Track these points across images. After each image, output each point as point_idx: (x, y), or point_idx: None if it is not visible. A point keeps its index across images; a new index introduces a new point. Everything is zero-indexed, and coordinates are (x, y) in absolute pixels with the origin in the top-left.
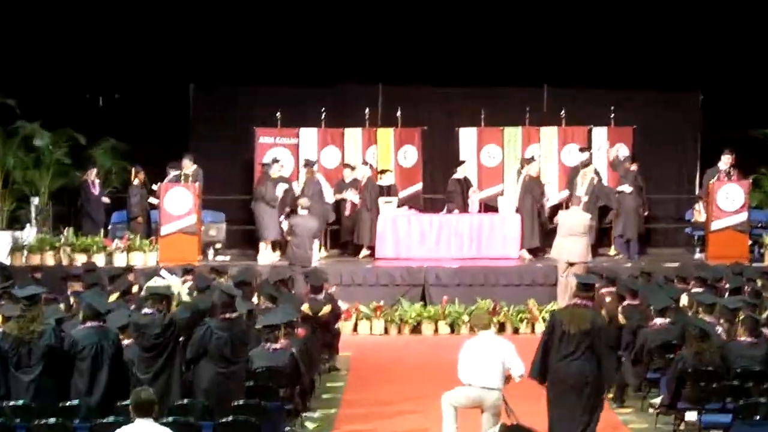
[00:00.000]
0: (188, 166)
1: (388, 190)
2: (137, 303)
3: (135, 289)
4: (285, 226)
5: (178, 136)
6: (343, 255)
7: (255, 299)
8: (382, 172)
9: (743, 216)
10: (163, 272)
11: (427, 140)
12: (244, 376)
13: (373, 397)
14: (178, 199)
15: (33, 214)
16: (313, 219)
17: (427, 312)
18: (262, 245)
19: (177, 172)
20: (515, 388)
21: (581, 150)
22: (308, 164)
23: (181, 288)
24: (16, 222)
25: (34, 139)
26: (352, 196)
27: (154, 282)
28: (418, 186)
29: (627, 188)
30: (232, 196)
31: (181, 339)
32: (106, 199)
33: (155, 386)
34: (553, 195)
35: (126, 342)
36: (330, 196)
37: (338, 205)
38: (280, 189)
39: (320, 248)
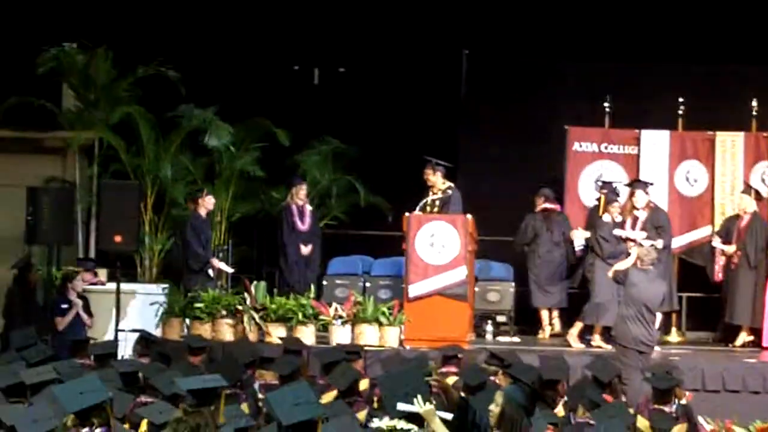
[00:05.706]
0: (437, 183)
1: None
2: (369, 409)
3: (364, 385)
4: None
5: (437, 137)
6: (709, 341)
7: (559, 409)
8: None
9: None
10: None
11: None
12: None
13: None
14: (438, 240)
15: None
16: (659, 280)
17: None
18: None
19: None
20: None
21: None
22: (640, 186)
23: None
24: (174, 269)
25: (206, 136)
26: (718, 243)
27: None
28: None
29: None
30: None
31: None
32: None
33: None
34: None
35: None
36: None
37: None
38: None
39: (671, 329)
